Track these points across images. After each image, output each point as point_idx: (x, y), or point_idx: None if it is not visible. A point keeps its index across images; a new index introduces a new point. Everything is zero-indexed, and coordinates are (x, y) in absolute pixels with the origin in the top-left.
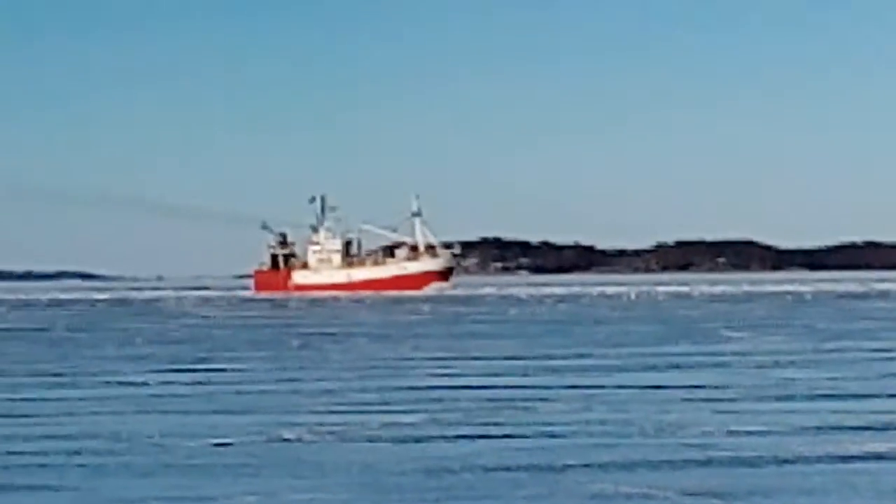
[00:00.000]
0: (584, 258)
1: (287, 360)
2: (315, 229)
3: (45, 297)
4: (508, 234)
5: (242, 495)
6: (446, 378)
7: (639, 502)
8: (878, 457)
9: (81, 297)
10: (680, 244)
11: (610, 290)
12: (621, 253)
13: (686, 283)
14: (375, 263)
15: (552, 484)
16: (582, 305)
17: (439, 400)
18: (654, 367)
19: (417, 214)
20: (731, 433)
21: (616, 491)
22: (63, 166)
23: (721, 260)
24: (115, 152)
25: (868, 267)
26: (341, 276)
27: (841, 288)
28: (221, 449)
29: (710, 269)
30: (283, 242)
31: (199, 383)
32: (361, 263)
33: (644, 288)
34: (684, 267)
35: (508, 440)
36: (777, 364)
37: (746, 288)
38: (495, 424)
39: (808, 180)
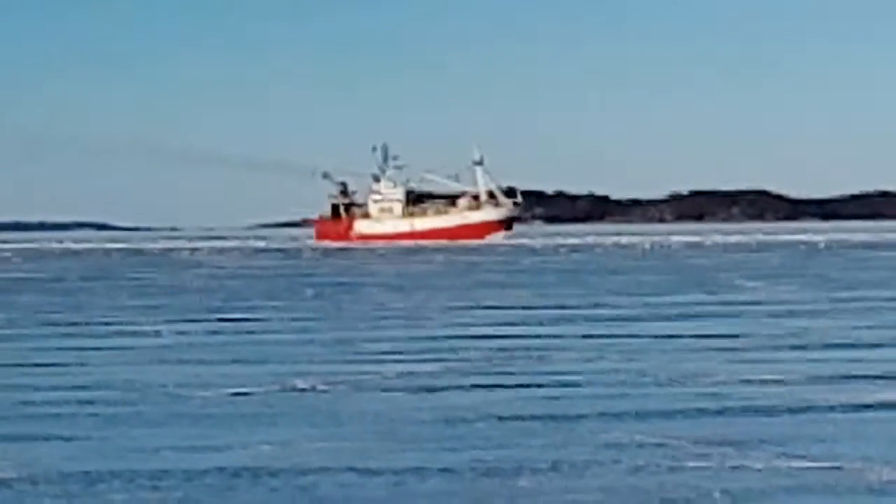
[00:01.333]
0: (599, 208)
1: (301, 310)
2: (377, 178)
3: (59, 247)
4: (523, 184)
5: (257, 445)
6: (461, 328)
7: (652, 451)
8: (892, 406)
9: (96, 247)
10: (694, 194)
11: (624, 239)
12: (635, 203)
13: (700, 233)
14: (438, 213)
15: (566, 433)
16: (596, 255)
17: (454, 350)
18: (667, 317)
19: (479, 163)
20: (744, 382)
21: (630, 440)
22: (78, 114)
23: (735, 210)
24: (140, 100)
25: (881, 216)
26: (403, 225)
27: (854, 238)
28: (236, 399)
29: (725, 219)
30: (345, 192)
31: (214, 333)
32: (423, 213)
33: (658, 238)
34: (698, 217)
35: (522, 389)
36: (791, 313)
37: (760, 237)
38: (509, 374)
39: (822, 130)
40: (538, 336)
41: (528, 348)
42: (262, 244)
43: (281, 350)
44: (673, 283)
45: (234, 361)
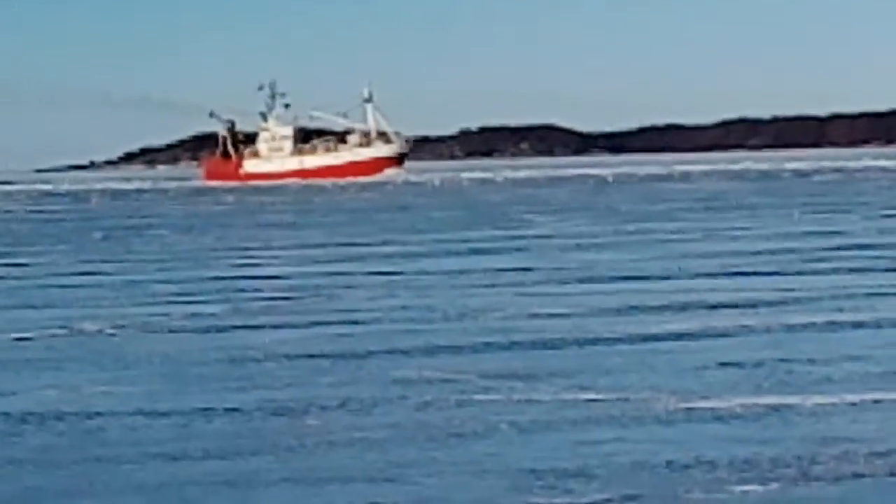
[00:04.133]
0: None
1: (89, 254)
2: (264, 117)
3: None
4: (313, 123)
5: (43, 389)
6: (250, 268)
7: (441, 387)
8: (677, 336)
9: None
10: (483, 130)
11: (414, 177)
12: (425, 140)
13: (490, 169)
14: (328, 150)
15: (355, 370)
16: (386, 192)
17: (242, 290)
18: (457, 253)
19: (369, 100)
20: (533, 316)
21: (419, 376)
22: None
23: (524, 145)
24: None
25: (670, 149)
26: (293, 163)
27: (643, 171)
28: (22, 343)
29: (514, 155)
30: (232, 130)
31: (0, 278)
32: (313, 151)
33: (448, 174)
34: (488, 153)
35: (311, 328)
36: (579, 247)
37: (550, 172)
38: (298, 313)
39: (610, 64)
40: (327, 274)
41: (316, 287)
42: (48, 187)
43: (68, 294)
44: (463, 218)
45: (21, 306)
